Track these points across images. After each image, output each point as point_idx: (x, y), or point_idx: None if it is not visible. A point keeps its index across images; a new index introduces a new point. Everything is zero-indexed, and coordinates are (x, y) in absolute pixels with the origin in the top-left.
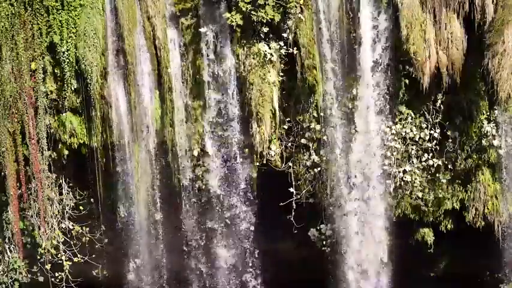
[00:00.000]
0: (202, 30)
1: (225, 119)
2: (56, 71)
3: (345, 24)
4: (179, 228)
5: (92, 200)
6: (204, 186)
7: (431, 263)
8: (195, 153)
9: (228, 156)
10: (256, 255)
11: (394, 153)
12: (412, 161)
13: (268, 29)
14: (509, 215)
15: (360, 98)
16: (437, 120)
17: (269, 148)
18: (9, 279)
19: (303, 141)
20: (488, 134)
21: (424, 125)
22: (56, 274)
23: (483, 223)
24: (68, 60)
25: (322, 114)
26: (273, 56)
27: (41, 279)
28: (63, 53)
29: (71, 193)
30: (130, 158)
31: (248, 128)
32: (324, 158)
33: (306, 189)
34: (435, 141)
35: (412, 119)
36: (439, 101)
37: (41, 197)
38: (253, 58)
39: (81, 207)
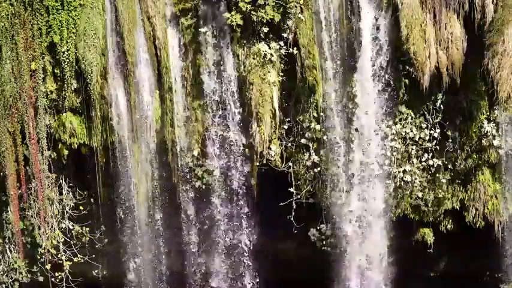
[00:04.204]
0: (202, 30)
1: (225, 119)
2: (56, 71)
3: (345, 24)
4: (179, 228)
5: (92, 200)
6: (204, 186)
7: (431, 263)
8: (195, 153)
9: (228, 156)
10: (256, 255)
11: (394, 153)
12: (412, 161)
13: (268, 29)
14: (509, 215)
15: (359, 98)
16: (437, 120)
17: (269, 148)
18: (9, 279)
19: (303, 141)
20: (488, 134)
21: (424, 125)
22: (56, 274)
23: (483, 223)
24: (68, 60)
25: (322, 114)
26: (273, 56)
27: (41, 279)
28: (63, 53)
29: (71, 193)
30: (130, 158)
31: (248, 128)
32: (324, 158)
33: (306, 189)
34: (435, 141)
35: (412, 119)
36: (439, 101)
37: (41, 197)
38: (253, 58)
39: (81, 207)
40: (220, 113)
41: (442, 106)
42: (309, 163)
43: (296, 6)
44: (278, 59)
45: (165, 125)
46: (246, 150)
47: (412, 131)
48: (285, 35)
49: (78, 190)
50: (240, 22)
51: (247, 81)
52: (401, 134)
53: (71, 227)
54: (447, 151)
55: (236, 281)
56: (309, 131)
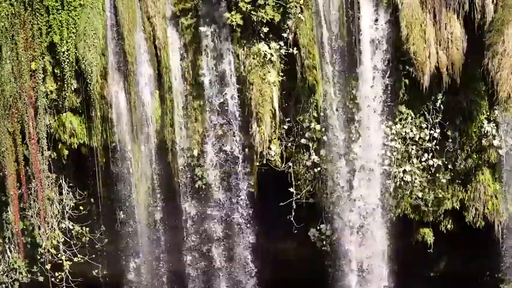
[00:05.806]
0: (202, 30)
1: (225, 119)
2: (56, 71)
3: (345, 24)
4: (179, 228)
5: (92, 200)
6: (204, 186)
7: (431, 263)
8: (195, 153)
9: (228, 156)
10: (256, 255)
11: (394, 153)
12: (412, 161)
13: (268, 29)
14: (509, 215)
15: (359, 98)
16: (437, 120)
17: (269, 148)
18: (9, 279)
19: (303, 141)
20: (488, 134)
21: (424, 125)
22: (56, 274)
23: (483, 223)
24: (68, 60)
25: (322, 114)
26: (273, 56)
27: (41, 279)
28: (63, 53)
29: (71, 193)
30: (130, 158)
31: (248, 128)
32: (324, 158)
33: (306, 189)
34: (435, 141)
35: (412, 119)
36: (439, 101)
37: (41, 197)
38: (253, 58)
39: (81, 207)
40: (220, 112)
41: (442, 106)
42: (309, 163)
43: (296, 6)
44: (278, 59)
45: (165, 125)
46: (246, 150)
47: (412, 131)
48: (285, 35)
49: (78, 190)
50: (240, 22)
51: (247, 81)
52: (401, 134)
53: (71, 227)
54: (447, 151)
55: (236, 279)
56: (309, 131)
